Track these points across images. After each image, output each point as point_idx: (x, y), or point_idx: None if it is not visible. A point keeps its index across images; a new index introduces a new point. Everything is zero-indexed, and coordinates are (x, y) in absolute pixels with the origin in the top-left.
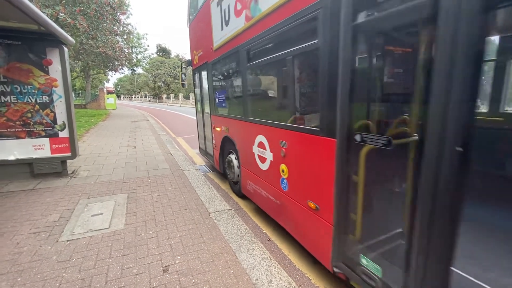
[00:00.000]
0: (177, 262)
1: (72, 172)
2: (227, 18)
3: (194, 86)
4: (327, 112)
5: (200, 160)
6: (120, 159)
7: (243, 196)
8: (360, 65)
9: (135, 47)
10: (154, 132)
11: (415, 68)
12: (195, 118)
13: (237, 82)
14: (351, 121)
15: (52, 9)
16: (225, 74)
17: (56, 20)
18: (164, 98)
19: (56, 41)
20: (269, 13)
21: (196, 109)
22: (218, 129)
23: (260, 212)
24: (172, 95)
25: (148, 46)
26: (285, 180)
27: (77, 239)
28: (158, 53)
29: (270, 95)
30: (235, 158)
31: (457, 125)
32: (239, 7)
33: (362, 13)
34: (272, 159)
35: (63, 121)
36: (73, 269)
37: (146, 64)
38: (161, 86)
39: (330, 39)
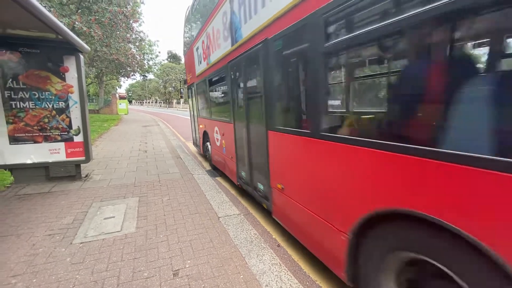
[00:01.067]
0: (187, 266)
1: (86, 176)
2: (199, 60)
3: (188, 97)
4: (231, 113)
5: (209, 166)
6: (132, 163)
7: (215, 168)
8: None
9: (147, 53)
10: (164, 137)
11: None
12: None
13: (206, 96)
14: (235, 115)
15: (69, 18)
16: (202, 91)
17: (72, 29)
18: (174, 103)
19: (72, 49)
20: (214, 63)
21: (190, 113)
22: (201, 126)
23: (269, 217)
24: (182, 100)
25: (159, 52)
26: (223, 148)
27: (90, 241)
28: (168, 59)
29: (218, 103)
30: (209, 144)
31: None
32: (203, 56)
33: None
34: (219, 138)
35: (78, 126)
36: (86, 271)
37: (157, 70)
38: (171, 92)
39: (230, 85)
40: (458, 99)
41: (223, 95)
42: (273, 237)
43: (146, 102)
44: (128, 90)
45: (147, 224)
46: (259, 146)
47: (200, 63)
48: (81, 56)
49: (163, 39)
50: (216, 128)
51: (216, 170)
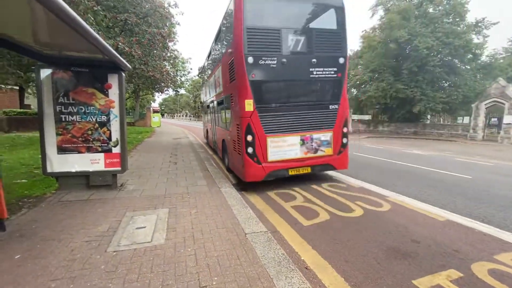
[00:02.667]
0: (214, 283)
1: (121, 185)
2: (205, 95)
3: (203, 113)
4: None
5: (237, 180)
6: (162, 174)
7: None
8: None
9: (180, 70)
10: (193, 149)
11: None
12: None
13: (209, 114)
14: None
15: (114, 40)
16: (206, 110)
17: (116, 49)
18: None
19: (116, 68)
20: (209, 100)
21: (203, 122)
22: (208, 127)
23: (297, 236)
24: None
25: (191, 69)
26: (210, 135)
27: (122, 250)
28: (199, 75)
29: (213, 117)
30: (212, 135)
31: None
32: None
33: None
34: (215, 131)
35: (116, 138)
36: (118, 280)
37: (188, 85)
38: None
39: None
40: (211, 118)
41: (217, 112)
42: (302, 258)
43: (177, 116)
44: (161, 104)
45: (176, 236)
46: (227, 132)
47: (205, 96)
48: (123, 74)
49: (195, 56)
50: (210, 126)
51: (224, 157)
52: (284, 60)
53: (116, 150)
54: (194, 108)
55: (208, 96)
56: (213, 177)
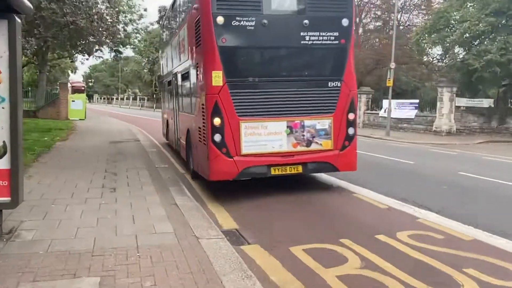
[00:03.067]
0: None
1: (10, 232)
2: (165, 66)
3: (162, 96)
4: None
5: (229, 222)
6: (90, 211)
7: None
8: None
9: (124, 13)
10: (148, 163)
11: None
12: None
13: (170, 97)
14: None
15: None
16: (167, 90)
17: None
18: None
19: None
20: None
21: (162, 110)
22: (168, 117)
23: None
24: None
25: (145, 10)
26: (172, 128)
27: None
28: (160, 25)
29: (178, 100)
30: (175, 129)
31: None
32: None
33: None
34: (179, 120)
35: (3, 142)
36: None
37: (139, 41)
38: None
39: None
40: (173, 102)
41: (180, 91)
42: None
43: (117, 99)
44: (87, 77)
45: None
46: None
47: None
48: (18, 20)
49: None
50: (172, 115)
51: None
52: (265, 21)
53: (1, 164)
54: (149, 85)
55: (170, 67)
56: (185, 217)
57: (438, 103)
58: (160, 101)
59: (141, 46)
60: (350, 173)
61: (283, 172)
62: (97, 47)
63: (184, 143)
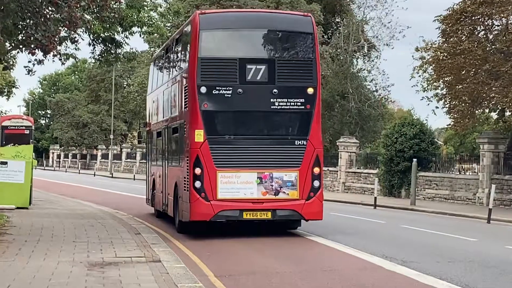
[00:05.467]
0: None
1: None
2: (155, 114)
3: (148, 150)
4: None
5: None
6: None
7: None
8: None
9: None
10: None
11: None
12: None
13: (159, 151)
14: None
15: None
16: (154, 143)
17: None
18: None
19: None
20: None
21: (147, 167)
22: (156, 175)
23: None
24: None
25: None
26: (160, 189)
27: None
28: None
29: (167, 153)
30: (163, 189)
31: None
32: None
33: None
34: (167, 175)
35: None
36: None
37: (155, 23)
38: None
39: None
40: (162, 155)
41: (170, 144)
42: None
43: (99, 159)
44: (37, 106)
45: None
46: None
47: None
48: None
49: None
50: (161, 172)
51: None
52: (240, 90)
53: None
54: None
55: (161, 117)
56: None
57: None
58: (145, 156)
59: (162, 27)
60: None
61: (254, 217)
62: (64, 33)
63: (172, 198)
